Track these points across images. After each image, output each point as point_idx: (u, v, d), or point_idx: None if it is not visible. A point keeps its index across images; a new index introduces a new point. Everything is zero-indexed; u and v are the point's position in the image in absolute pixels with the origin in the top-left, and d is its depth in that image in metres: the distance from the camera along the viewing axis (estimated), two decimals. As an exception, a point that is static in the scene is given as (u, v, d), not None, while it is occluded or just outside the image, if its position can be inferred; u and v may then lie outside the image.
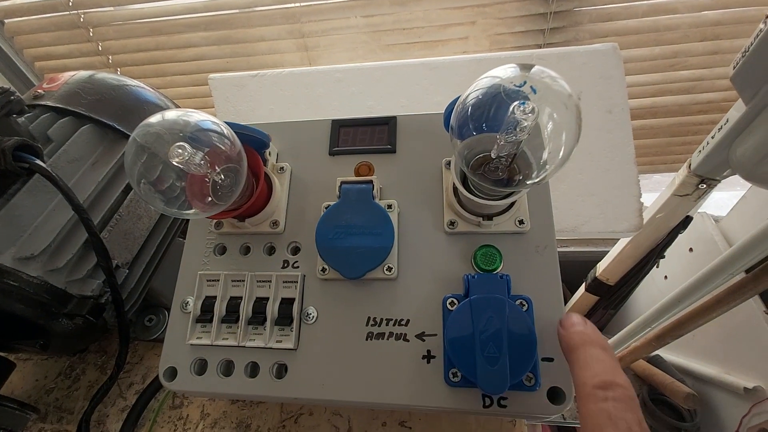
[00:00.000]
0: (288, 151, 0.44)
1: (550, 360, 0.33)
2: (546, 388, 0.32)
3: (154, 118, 0.32)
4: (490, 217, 0.36)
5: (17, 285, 0.40)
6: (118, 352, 0.50)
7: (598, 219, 0.50)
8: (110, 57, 1.13)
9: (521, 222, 0.36)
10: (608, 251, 1.02)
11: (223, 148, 0.33)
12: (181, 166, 0.31)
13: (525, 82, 0.27)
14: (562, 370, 0.32)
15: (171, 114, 0.32)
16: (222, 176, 0.35)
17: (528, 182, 0.31)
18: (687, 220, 0.95)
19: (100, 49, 1.12)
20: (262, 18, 0.98)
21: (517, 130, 0.27)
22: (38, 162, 0.41)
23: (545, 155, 0.30)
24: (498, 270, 0.35)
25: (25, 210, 0.42)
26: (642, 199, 0.52)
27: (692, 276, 0.74)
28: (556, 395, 0.32)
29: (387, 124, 0.43)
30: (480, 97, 0.29)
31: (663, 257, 1.04)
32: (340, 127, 0.44)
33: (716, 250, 1.04)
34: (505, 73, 0.28)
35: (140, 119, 0.33)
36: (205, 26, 1.03)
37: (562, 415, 0.35)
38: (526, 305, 0.34)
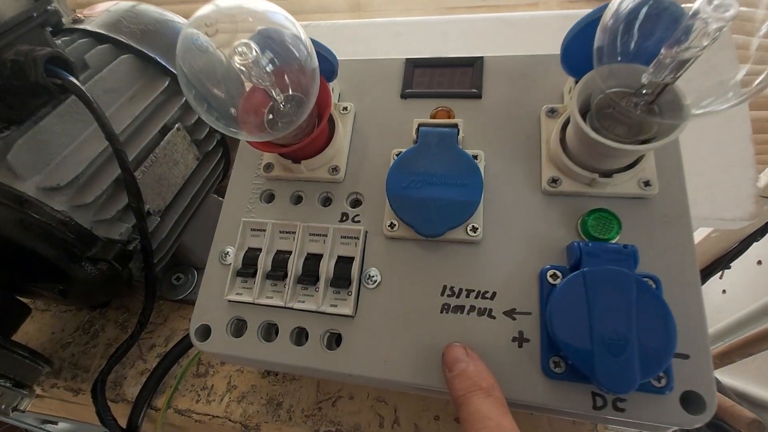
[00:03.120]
0: (352, 91, 0.38)
1: (685, 357, 0.26)
2: (680, 391, 0.25)
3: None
4: (608, 174, 0.28)
5: (39, 218, 0.35)
6: (143, 307, 0.45)
7: (705, 203, 0.42)
8: None
9: (647, 183, 0.29)
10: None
11: (298, 56, 0.26)
12: (242, 70, 0.25)
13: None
14: (700, 370, 0.25)
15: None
16: (284, 102, 0.29)
17: (673, 123, 0.24)
18: (766, 228, 0.85)
19: None
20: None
21: (697, 37, 0.20)
22: (72, 79, 0.36)
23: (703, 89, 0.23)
24: (614, 241, 0.28)
25: (54, 136, 0.38)
26: (759, 184, 0.43)
27: (758, 293, 0.65)
28: (691, 401, 0.25)
29: (472, 66, 0.36)
30: (640, 5, 0.22)
31: (729, 268, 0.94)
32: (414, 67, 0.38)
33: (791, 266, 0.93)
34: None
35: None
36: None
37: None
38: (654, 286, 0.26)
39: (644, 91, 0.24)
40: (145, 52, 0.46)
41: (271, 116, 0.30)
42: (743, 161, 0.44)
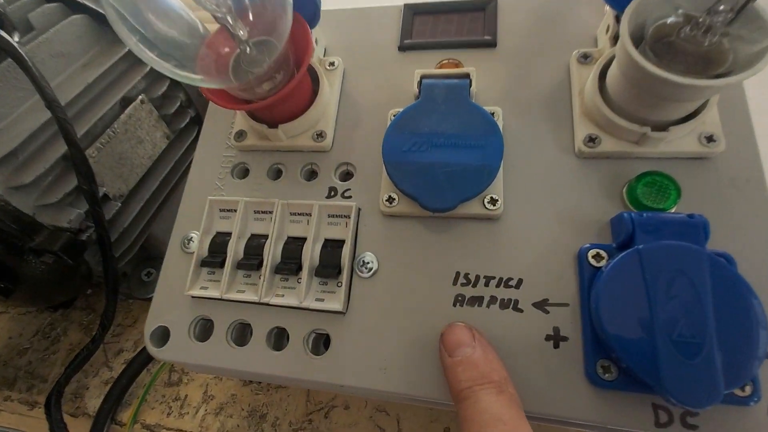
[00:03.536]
0: (340, 45, 0.32)
1: (772, 357, 0.20)
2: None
3: None
4: (662, 127, 0.22)
5: (-34, 202, 0.29)
6: (105, 307, 0.39)
7: None
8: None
9: (710, 139, 0.23)
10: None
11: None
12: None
13: None
14: (794, 374, 0.19)
15: None
16: (252, 44, 0.23)
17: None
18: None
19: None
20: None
21: None
22: (5, 36, 0.30)
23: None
24: (671, 211, 0.22)
25: (-16, 104, 0.31)
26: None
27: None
28: (784, 416, 0.19)
29: (483, 10, 0.30)
30: None
31: None
32: (414, 14, 0.31)
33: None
34: None
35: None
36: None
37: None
38: (728, 266, 0.21)
39: (721, 7, 0.18)
40: (103, 12, 0.40)
41: (237, 62, 0.24)
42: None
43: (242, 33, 0.22)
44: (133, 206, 0.40)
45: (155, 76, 0.43)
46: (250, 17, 0.22)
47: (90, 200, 0.34)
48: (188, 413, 0.37)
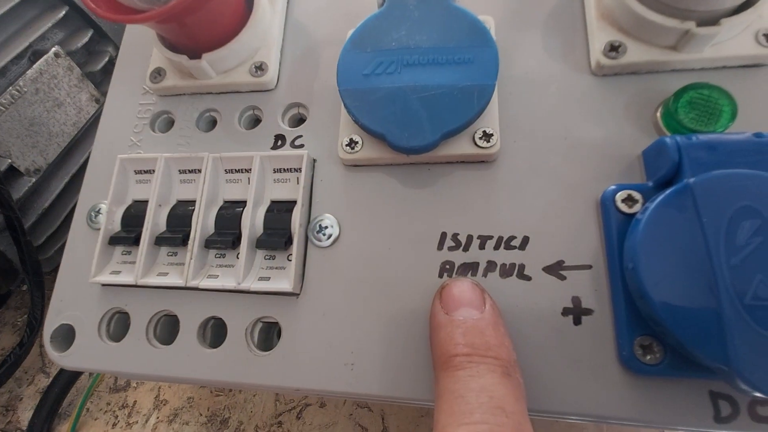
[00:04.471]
0: (284, -44, 0.25)
1: None
2: None
3: None
4: (711, 21, 0.16)
5: None
6: (30, 305, 0.33)
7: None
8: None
9: (773, 36, 0.17)
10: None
11: None
12: None
13: None
14: None
15: None
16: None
17: None
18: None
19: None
20: None
21: None
22: None
23: None
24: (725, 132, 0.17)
25: None
26: None
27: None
28: None
29: None
30: None
31: None
32: None
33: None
34: None
35: None
36: None
37: None
38: (807, 202, 0.15)
39: None
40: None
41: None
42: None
43: None
44: (54, 183, 0.34)
45: (74, 25, 0.36)
46: None
47: (-15, 174, 0.27)
48: (137, 422, 0.31)
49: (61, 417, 0.32)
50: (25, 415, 0.33)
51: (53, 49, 0.33)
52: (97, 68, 0.36)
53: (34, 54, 0.33)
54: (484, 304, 0.15)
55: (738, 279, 0.13)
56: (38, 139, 0.32)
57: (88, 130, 0.37)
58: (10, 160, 0.30)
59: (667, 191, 0.15)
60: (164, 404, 0.32)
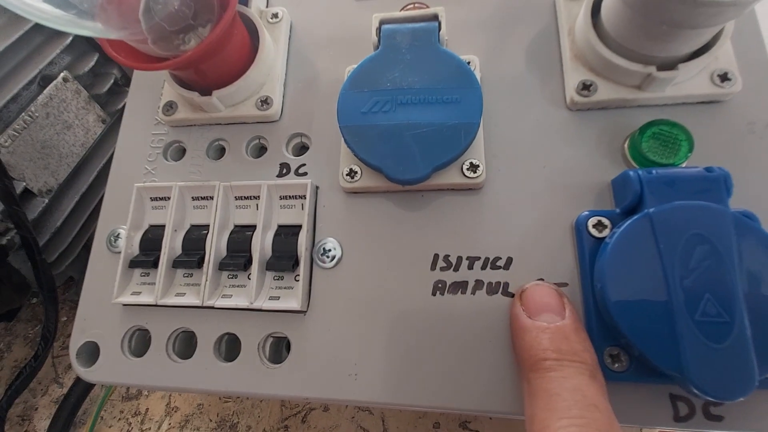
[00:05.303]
0: (285, -6, 0.27)
1: (807, 330, 0.17)
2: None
3: None
4: (670, 65, 0.19)
5: None
6: (45, 319, 0.34)
7: None
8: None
9: (724, 77, 0.19)
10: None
11: None
12: None
13: None
14: (832, 349, 0.16)
15: None
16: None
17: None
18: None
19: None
20: None
21: None
22: None
23: None
24: (682, 166, 0.19)
25: None
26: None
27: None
28: (822, 398, 0.16)
29: (452, -57, 0.25)
30: None
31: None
32: (371, -48, 0.26)
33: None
34: None
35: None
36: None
37: None
38: (752, 226, 0.17)
39: None
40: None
41: (147, 7, 0.19)
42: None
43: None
44: (66, 202, 0.35)
45: (81, 49, 0.37)
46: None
47: (4, 198, 0.29)
48: (150, 429, 0.33)
49: (76, 426, 0.34)
50: (41, 424, 0.35)
51: (62, 74, 0.35)
52: (102, 90, 0.38)
53: (43, 79, 0.34)
54: (564, 309, 0.17)
55: (689, 298, 0.15)
56: (49, 161, 0.34)
57: (94, 150, 0.38)
58: (24, 183, 0.31)
59: (630, 219, 0.17)
60: (175, 411, 0.33)
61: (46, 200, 0.33)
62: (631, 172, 0.18)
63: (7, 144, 0.31)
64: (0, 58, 0.31)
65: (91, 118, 0.37)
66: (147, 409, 0.34)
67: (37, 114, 0.33)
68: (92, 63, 0.37)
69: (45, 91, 0.33)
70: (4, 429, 0.33)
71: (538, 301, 0.17)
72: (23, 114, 0.32)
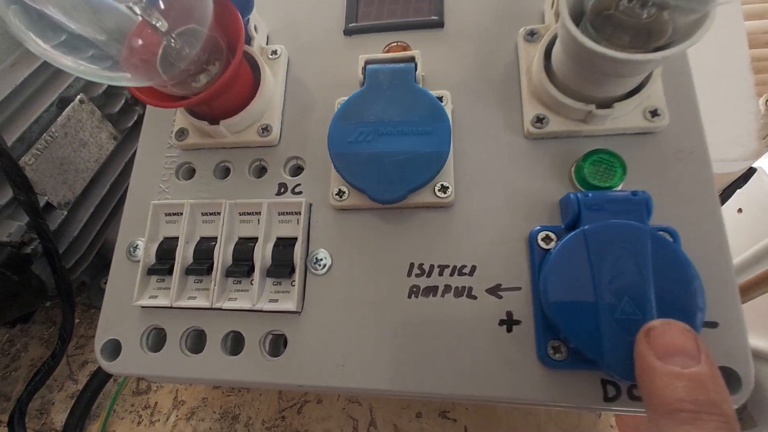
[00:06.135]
0: (283, 32, 0.30)
1: (713, 325, 0.20)
2: (710, 369, 0.20)
3: None
4: (607, 104, 0.22)
5: None
6: (62, 319, 0.37)
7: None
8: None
9: (654, 113, 0.23)
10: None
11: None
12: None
13: None
14: (733, 340, 0.20)
15: None
16: (175, 36, 0.22)
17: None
18: (750, 173, 0.82)
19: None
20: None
21: None
22: None
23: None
24: (618, 188, 0.22)
25: None
26: (762, 119, 0.39)
27: (736, 247, 0.61)
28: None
29: (429, -12, 0.29)
30: None
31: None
32: (358, -5, 0.30)
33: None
34: None
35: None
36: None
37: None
38: (672, 241, 0.21)
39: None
40: (32, 4, 0.37)
41: (165, 55, 0.22)
42: (742, 93, 0.39)
43: (161, 23, 0.20)
44: (81, 213, 0.39)
45: (95, 72, 0.41)
46: (161, 5, 0.21)
47: (30, 211, 0.32)
48: (159, 420, 0.36)
49: (91, 418, 0.37)
50: (58, 417, 0.38)
51: (78, 96, 0.38)
52: (114, 110, 0.41)
53: (61, 101, 0.37)
54: (699, 351, 0.16)
55: (612, 299, 0.19)
56: (67, 177, 0.37)
57: (106, 165, 0.42)
58: (46, 197, 0.35)
59: (569, 235, 0.20)
60: (182, 404, 0.37)
61: (65, 212, 0.36)
62: (572, 195, 0.21)
63: (31, 162, 0.34)
64: (23, 84, 0.34)
65: (104, 136, 0.40)
66: (156, 402, 0.37)
67: (56, 134, 0.36)
68: (105, 85, 0.40)
69: (63, 113, 0.37)
70: (25, 421, 0.36)
71: (671, 343, 0.16)
72: (44, 134, 0.35)
